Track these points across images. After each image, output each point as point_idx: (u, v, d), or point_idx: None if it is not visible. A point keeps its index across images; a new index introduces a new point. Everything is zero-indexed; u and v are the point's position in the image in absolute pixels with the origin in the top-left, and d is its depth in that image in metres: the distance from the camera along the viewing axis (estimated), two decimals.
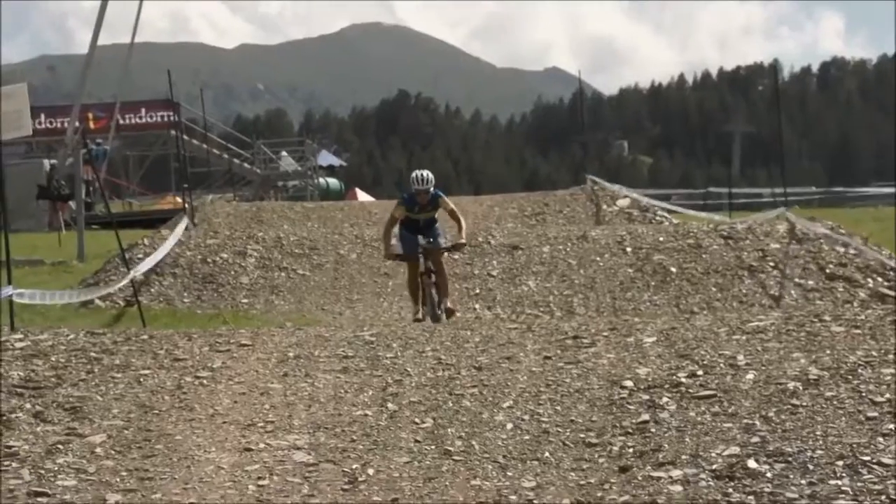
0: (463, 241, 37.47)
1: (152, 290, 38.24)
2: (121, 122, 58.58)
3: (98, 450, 18.13)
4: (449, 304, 35.07)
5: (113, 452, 18.19)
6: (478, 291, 45.02)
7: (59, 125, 51.67)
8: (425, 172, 37.27)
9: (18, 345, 23.01)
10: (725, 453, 16.39)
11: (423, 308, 34.59)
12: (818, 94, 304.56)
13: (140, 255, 39.53)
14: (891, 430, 16.81)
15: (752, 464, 15.97)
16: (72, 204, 48.14)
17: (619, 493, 15.62)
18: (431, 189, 36.55)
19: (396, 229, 40.52)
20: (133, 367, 22.25)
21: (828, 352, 20.32)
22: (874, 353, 19.85)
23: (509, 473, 16.61)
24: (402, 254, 37.14)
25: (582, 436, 17.84)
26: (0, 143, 25.73)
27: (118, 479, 16.88)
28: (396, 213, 37.45)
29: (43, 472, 17.46)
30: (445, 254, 37.44)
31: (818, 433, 16.71)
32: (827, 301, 30.10)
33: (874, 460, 15.81)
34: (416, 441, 18.24)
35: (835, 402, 17.78)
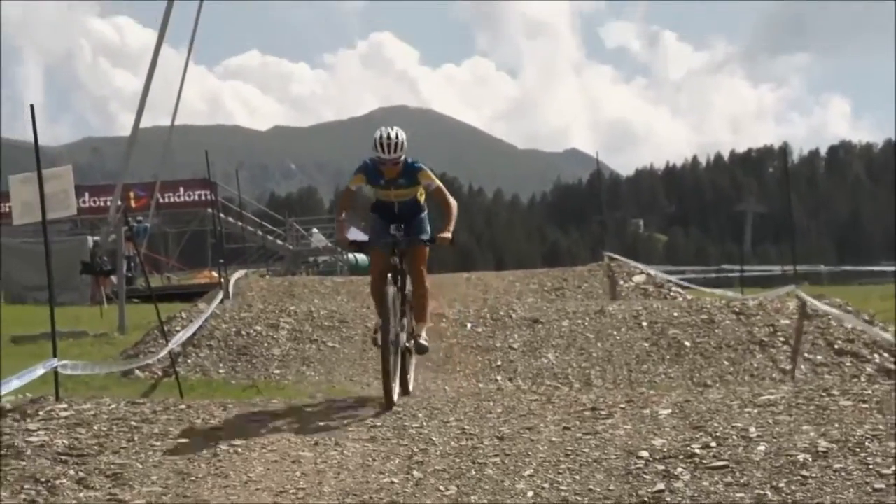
0: (448, 234, 24.96)
1: (189, 361, 36.28)
2: (160, 200, 59.27)
3: None
4: (423, 338, 23.94)
5: None
6: (499, 363, 36.16)
7: (102, 203, 52.43)
8: (394, 130, 24.66)
9: (63, 414, 23.15)
10: None
11: (383, 306, 22.75)
12: (827, 175, 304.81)
13: (178, 328, 38.60)
14: None
15: None
16: (113, 279, 48.44)
17: None
18: (402, 157, 25.19)
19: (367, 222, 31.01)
20: (171, 436, 22.29)
21: (836, 425, 20.19)
22: (881, 427, 19.73)
23: None
24: (361, 241, 27.70)
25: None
26: (45, 222, 26.59)
27: None
28: (352, 184, 26.40)
29: None
30: (427, 251, 25.38)
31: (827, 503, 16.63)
32: (835, 375, 30.05)
33: None
34: None
35: (843, 474, 17.68)
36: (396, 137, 22.77)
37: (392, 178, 22.65)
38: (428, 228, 23.14)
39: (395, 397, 17.78)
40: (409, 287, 23.82)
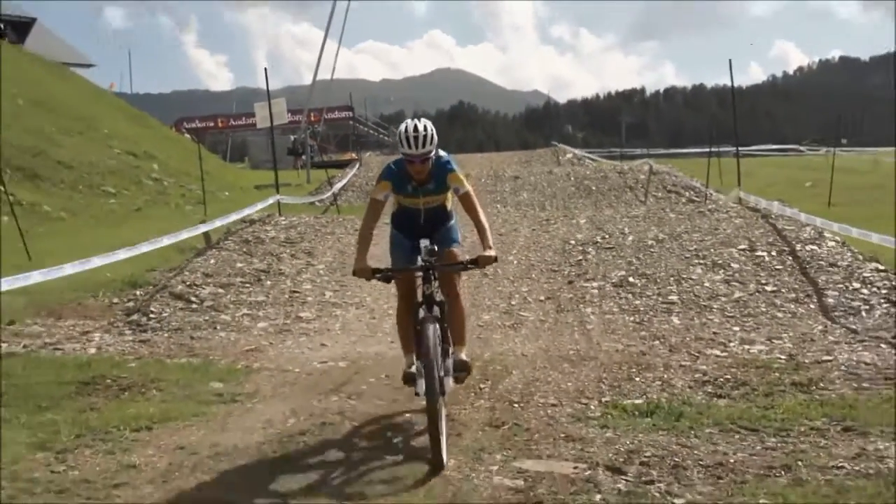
0: (492, 252, 10.94)
1: (342, 197, 36.24)
2: (326, 116, 61.96)
3: (321, 271, 19.16)
4: (463, 356, 11.37)
5: (328, 272, 19.18)
6: (498, 198, 35.20)
7: (297, 119, 53.64)
8: (422, 122, 11.61)
9: (282, 222, 24.41)
10: (618, 274, 17.86)
11: (417, 361, 10.75)
12: (665, 105, 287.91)
13: (336, 181, 40.19)
14: (699, 262, 18.44)
15: (631, 279, 17.44)
16: (303, 157, 51.74)
17: (567, 293, 16.92)
18: (434, 153, 11.54)
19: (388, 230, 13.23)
20: (335, 233, 23.14)
21: (667, 227, 21.76)
22: (688, 226, 21.61)
23: (515, 284, 17.79)
24: (387, 269, 11.37)
25: (549, 266, 19.09)
26: (272, 126, 32.44)
27: (332, 283, 18.08)
28: (377, 193, 11.96)
29: (297, 282, 18.29)
30: (463, 274, 11.83)
31: (661, 265, 18.30)
32: (666, 202, 29.63)
33: (691, 277, 17.46)
34: None
35: (670, 250, 19.38)
36: (425, 129, 11.44)
37: (422, 182, 11.62)
38: (458, 237, 11.97)
39: (445, 455, 9.09)
40: (440, 311, 11.76)
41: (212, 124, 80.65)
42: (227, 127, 79.23)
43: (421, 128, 9.88)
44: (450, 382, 9.65)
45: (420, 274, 9.87)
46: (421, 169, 9.92)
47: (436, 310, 9.62)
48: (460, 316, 10.18)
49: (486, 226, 9.92)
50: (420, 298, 9.81)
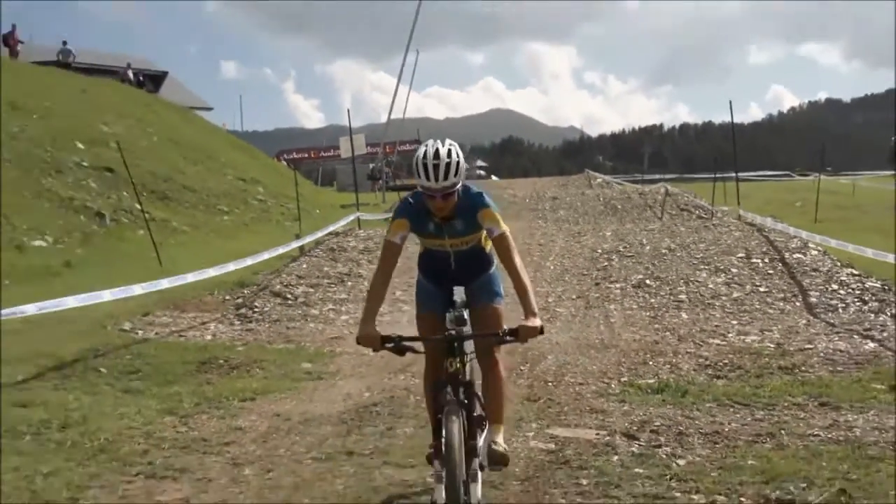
0: (536, 320, 6.11)
1: None
2: (399, 148, 61.31)
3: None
4: (499, 441, 6.81)
5: (397, 275, 18.24)
6: (539, 215, 32.94)
7: (375, 150, 53.07)
8: (444, 145, 6.51)
9: (361, 235, 24.40)
10: (637, 277, 17.74)
11: (436, 462, 6.26)
12: (680, 139, 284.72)
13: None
14: (704, 267, 18.37)
15: (647, 281, 17.33)
16: (380, 182, 50.29)
17: (594, 292, 16.72)
18: (460, 185, 6.52)
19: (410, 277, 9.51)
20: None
21: (678, 238, 21.71)
22: (696, 237, 21.58)
23: (552, 285, 17.58)
24: (399, 338, 6.15)
25: (580, 271, 18.92)
26: (353, 156, 33.81)
27: (401, 285, 15.40)
28: (392, 234, 6.65)
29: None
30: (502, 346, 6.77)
31: (673, 269, 18.22)
32: (678, 218, 29.06)
33: (697, 279, 17.40)
34: None
35: (680, 257, 19.34)
36: (448, 156, 6.59)
37: (446, 219, 6.79)
38: (501, 289, 7.21)
39: None
40: (472, 390, 6.86)
41: (306, 155, 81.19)
42: (318, 157, 79.52)
43: (444, 153, 6.19)
44: (477, 492, 6.08)
45: (451, 342, 6.24)
46: (443, 205, 6.25)
47: (462, 393, 6.19)
48: (499, 391, 6.70)
49: (528, 283, 6.14)
50: (452, 368, 6.18)
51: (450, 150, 5.93)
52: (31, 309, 10.73)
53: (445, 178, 5.90)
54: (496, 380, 6.47)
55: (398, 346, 5.68)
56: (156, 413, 8.85)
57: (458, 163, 5.93)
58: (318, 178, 67.54)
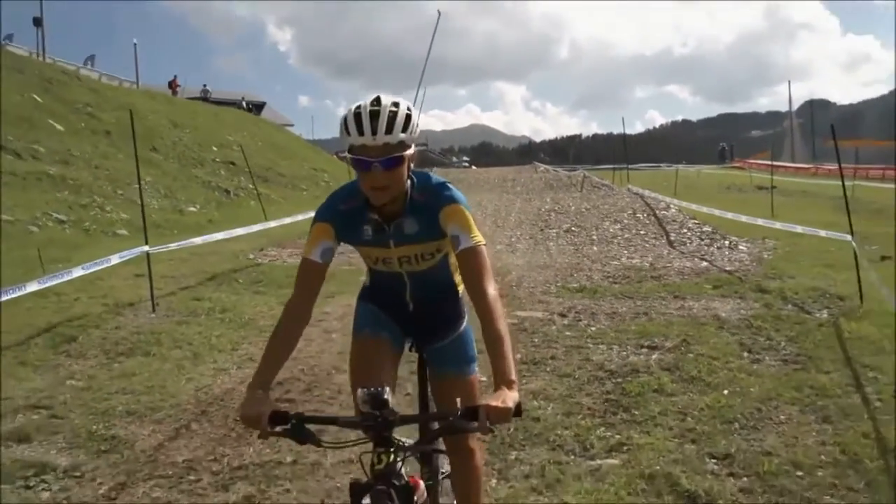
0: (509, 396, 2.00)
1: None
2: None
3: None
4: None
5: None
6: (507, 189, 30.63)
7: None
8: (386, 97, 2.30)
9: None
10: (566, 225, 17.72)
11: None
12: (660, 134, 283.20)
13: None
14: (607, 219, 18.20)
15: (573, 228, 17.26)
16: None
17: (539, 234, 16.42)
18: (412, 152, 2.31)
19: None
20: None
21: (591, 202, 21.59)
22: (602, 202, 21.40)
23: (513, 230, 17.26)
24: (302, 418, 2.13)
25: (531, 222, 18.67)
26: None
27: None
28: (311, 248, 2.46)
29: None
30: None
31: (588, 220, 18.26)
32: (592, 192, 28.45)
33: (603, 226, 17.25)
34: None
35: (592, 213, 19.38)
36: (395, 106, 2.28)
37: (389, 218, 2.45)
38: (474, 351, 2.74)
39: None
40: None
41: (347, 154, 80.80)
42: None
43: (387, 101, 2.36)
44: None
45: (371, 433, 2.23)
46: (384, 183, 2.36)
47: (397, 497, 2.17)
48: (476, 491, 2.84)
49: (504, 330, 2.26)
50: (368, 474, 2.22)
51: (396, 102, 2.39)
52: (197, 241, 11.10)
53: (388, 131, 2.33)
54: (471, 478, 2.85)
55: (300, 434, 2.22)
56: (275, 303, 8.94)
57: (407, 115, 2.37)
58: None
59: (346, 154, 2.33)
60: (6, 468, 4.38)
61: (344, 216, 2.57)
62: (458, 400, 2.15)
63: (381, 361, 2.76)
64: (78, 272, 7.81)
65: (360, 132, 2.32)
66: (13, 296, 6.61)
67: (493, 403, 2.05)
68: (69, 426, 5.08)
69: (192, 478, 4.33)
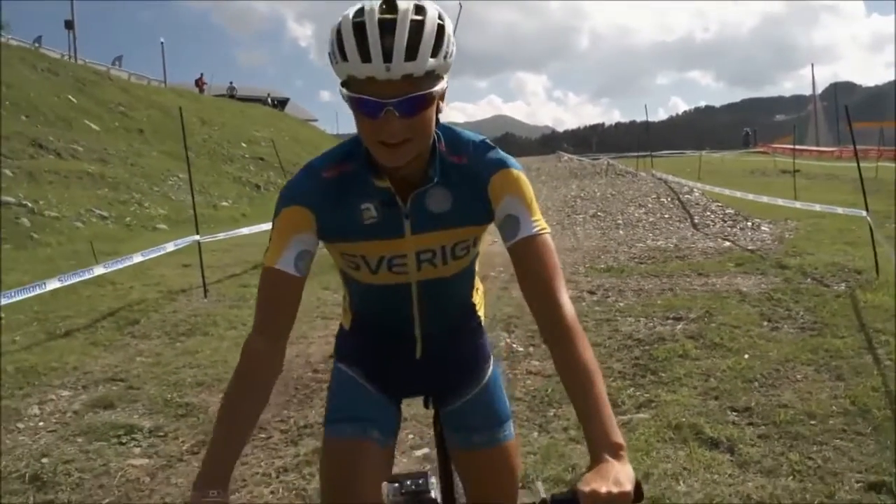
0: (619, 469, 1.18)
1: None
2: None
3: None
4: None
5: None
6: (531, 178, 32.39)
7: None
8: (400, 6, 1.32)
9: None
10: (592, 211, 17.97)
11: None
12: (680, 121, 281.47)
13: None
14: (632, 203, 18.35)
15: (599, 213, 17.48)
16: None
17: (567, 219, 16.70)
18: (444, 87, 1.38)
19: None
20: None
21: (616, 188, 21.71)
22: (627, 188, 21.54)
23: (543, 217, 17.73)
24: None
25: (558, 207, 18.90)
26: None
27: None
28: (277, 249, 1.49)
29: None
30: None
31: (613, 206, 18.47)
32: (616, 178, 28.43)
33: (628, 210, 17.43)
34: None
35: (617, 198, 19.57)
36: (417, 14, 1.33)
37: (408, 188, 1.50)
38: (507, 406, 1.82)
39: None
40: None
41: None
42: None
43: (405, 5, 1.39)
44: None
45: None
46: (399, 134, 1.42)
47: None
48: None
49: (593, 363, 1.45)
50: None
51: (420, 6, 1.42)
52: (244, 231, 11.61)
53: (411, 56, 1.39)
54: None
55: None
56: (317, 287, 8.92)
57: (439, 27, 1.42)
58: None
59: (343, 90, 1.45)
60: (99, 429, 4.91)
61: (330, 190, 1.58)
62: (540, 486, 1.32)
63: (372, 472, 1.73)
64: (137, 258, 8.38)
65: (365, 56, 1.40)
66: (83, 278, 7.20)
67: (600, 488, 1.24)
68: (146, 395, 5.58)
69: (263, 436, 4.78)
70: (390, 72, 1.38)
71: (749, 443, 4.28)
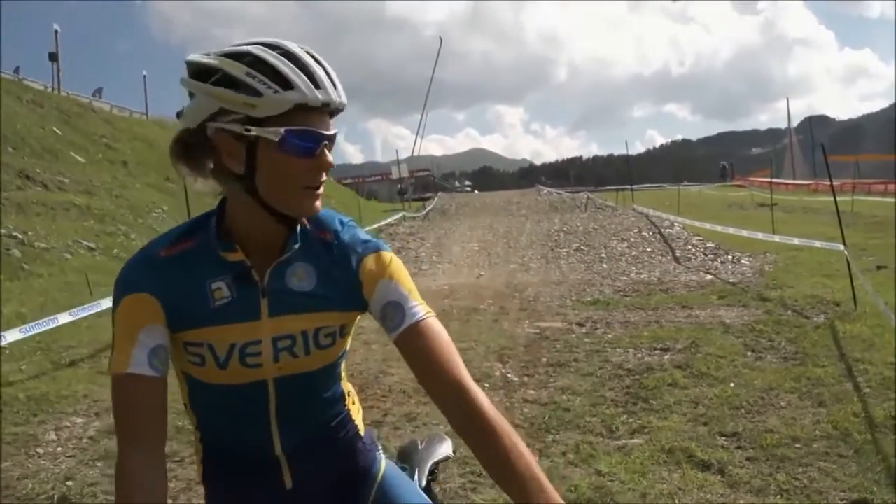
0: None
1: (431, 213, 30.29)
2: (416, 175, 59.86)
3: (429, 246, 19.31)
4: None
5: (433, 247, 19.07)
6: (512, 212, 29.96)
7: (402, 175, 52.32)
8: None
9: (406, 224, 24.45)
10: (575, 245, 18.22)
11: None
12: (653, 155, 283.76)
13: (426, 207, 37.56)
14: (615, 238, 18.70)
15: (582, 247, 17.80)
16: (405, 195, 47.32)
17: (551, 254, 17.09)
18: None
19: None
20: (431, 229, 22.91)
21: (598, 222, 22.18)
22: (609, 222, 21.99)
23: (525, 251, 17.79)
24: None
25: (542, 242, 19.18)
26: (401, 179, 31.32)
27: (434, 253, 17.67)
28: (124, 349, 1.23)
29: (418, 253, 18.37)
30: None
31: (596, 239, 18.77)
32: (596, 212, 28.92)
33: (611, 244, 17.75)
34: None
35: (600, 233, 19.85)
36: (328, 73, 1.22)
37: (264, 260, 1.32)
38: (423, 499, 1.49)
39: None
40: None
41: (351, 181, 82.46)
42: (362, 182, 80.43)
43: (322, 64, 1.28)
44: None
45: None
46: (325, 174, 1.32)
47: None
48: None
49: (518, 441, 1.25)
50: None
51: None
52: None
53: (336, 88, 1.30)
54: None
55: None
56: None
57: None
58: (364, 195, 68.61)
59: (273, 129, 1.25)
60: (111, 454, 5.01)
61: (172, 270, 1.36)
62: None
63: None
64: None
65: (315, 83, 1.28)
66: (91, 312, 7.36)
67: None
68: None
69: None
70: (340, 98, 1.29)
71: (738, 465, 4.53)
